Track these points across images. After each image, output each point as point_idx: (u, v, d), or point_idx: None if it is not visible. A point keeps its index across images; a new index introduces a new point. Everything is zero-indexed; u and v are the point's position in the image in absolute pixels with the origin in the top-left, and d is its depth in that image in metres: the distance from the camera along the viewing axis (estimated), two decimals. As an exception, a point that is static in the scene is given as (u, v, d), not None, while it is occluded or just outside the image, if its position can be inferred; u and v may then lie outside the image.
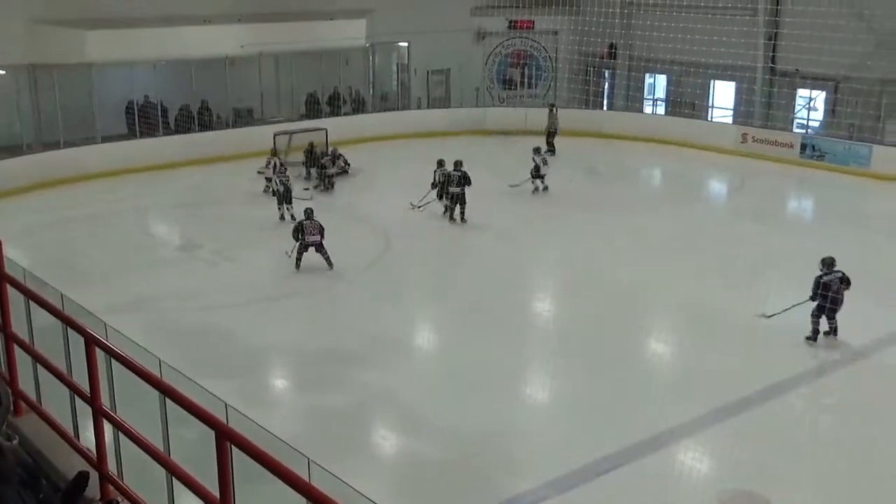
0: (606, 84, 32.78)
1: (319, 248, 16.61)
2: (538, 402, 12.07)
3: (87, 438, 5.57)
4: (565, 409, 11.74)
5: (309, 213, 16.89)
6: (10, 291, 5.97)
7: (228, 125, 27.26)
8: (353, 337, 13.71)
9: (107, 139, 25.03)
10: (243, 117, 27.94)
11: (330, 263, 16.53)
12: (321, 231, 16.59)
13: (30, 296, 6.00)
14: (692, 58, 26.04)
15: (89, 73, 24.26)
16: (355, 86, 31.14)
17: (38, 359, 5.72)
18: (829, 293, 13.02)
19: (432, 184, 20.85)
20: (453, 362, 13.00)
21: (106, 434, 4.94)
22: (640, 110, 31.59)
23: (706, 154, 27.20)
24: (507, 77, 33.19)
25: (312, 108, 29.50)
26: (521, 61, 33.09)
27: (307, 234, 16.57)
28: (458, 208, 19.83)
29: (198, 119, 26.99)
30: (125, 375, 4.98)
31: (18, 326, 6.24)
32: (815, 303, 13.07)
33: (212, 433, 3.79)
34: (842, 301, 13.13)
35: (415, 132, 28.48)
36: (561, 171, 25.82)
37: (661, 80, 31.45)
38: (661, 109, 31.59)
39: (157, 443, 5.11)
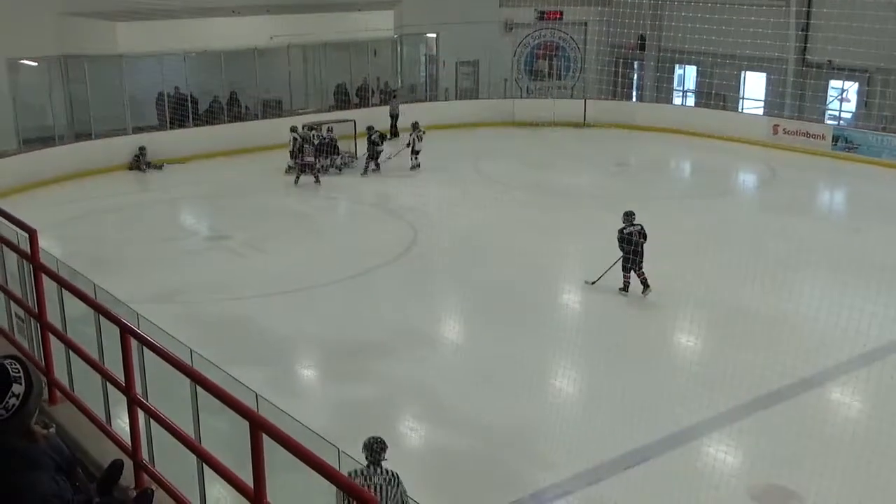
0: (636, 75, 32.61)
1: (311, 167, 22.42)
2: (565, 395, 12.05)
3: (119, 427, 5.65)
4: (593, 402, 11.71)
5: (309, 135, 22.87)
6: (45, 281, 6.05)
7: (258, 116, 27.37)
8: (381, 328, 13.76)
9: (137, 130, 25.25)
10: (272, 108, 28.03)
11: (317, 180, 22.47)
12: (314, 155, 22.64)
13: (64, 285, 6.06)
14: (722, 49, 25.80)
15: (120, 64, 24.48)
16: (384, 77, 31.18)
17: (73, 348, 5.80)
18: (631, 245, 14.58)
19: (407, 144, 24.07)
20: (481, 355, 13.01)
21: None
22: (670, 102, 31.40)
23: (737, 146, 27.01)
24: (536, 68, 33.11)
25: (341, 100, 29.57)
26: (550, 52, 32.97)
27: (305, 156, 22.28)
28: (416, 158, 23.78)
29: (227, 110, 27.15)
30: (156, 365, 5.05)
31: (52, 316, 6.32)
32: (621, 256, 14.74)
33: (238, 421, 3.83)
34: (642, 253, 14.61)
35: (443, 123, 28.48)
36: (589, 162, 25.77)
37: (691, 72, 31.25)
38: (690, 101, 31.39)
39: (188, 432, 5.16)
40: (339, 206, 21.66)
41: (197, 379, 4.37)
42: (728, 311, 14.38)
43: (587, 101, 30.48)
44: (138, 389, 5.14)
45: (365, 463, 7.26)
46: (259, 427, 3.80)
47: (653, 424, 10.63)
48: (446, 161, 23.73)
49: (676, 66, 31.10)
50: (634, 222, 14.84)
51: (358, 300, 15.08)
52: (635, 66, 32.31)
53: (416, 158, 23.72)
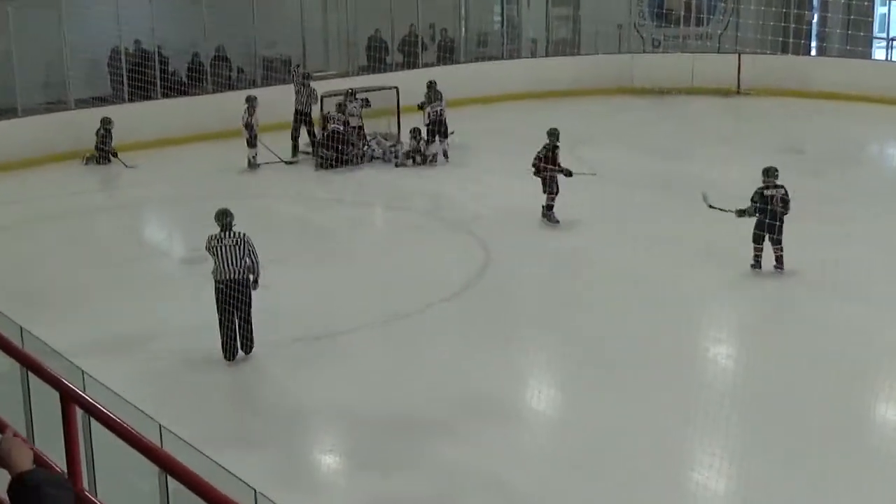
0: (815, 16, 32.36)
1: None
2: (699, 488, 11.99)
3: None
4: (736, 500, 11.63)
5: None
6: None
7: (255, 83, 27.64)
8: (433, 395, 13.78)
9: (82, 104, 25.73)
10: (277, 71, 28.27)
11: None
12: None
13: (-21, 330, 6.27)
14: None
15: (58, 9, 24.95)
16: (440, 24, 31.33)
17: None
18: (766, 211, 16.46)
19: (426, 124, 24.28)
20: (576, 433, 12.99)
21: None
22: (868, 56, 31.08)
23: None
24: (666, 9, 33.03)
25: (377, 58, 29.70)
26: (687, -15, 32.95)
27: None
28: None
29: (211, 73, 27.46)
30: (110, 444, 5.19)
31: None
32: (755, 219, 16.68)
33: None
34: (780, 223, 16.48)
35: (528, 91, 28.58)
36: (746, 148, 25.61)
37: (901, 10, 30.99)
38: (899, 54, 31.11)
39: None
40: (374, 215, 21.80)
41: (169, 467, 4.50)
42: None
43: (742, 56, 30.37)
44: (85, 481, 5.30)
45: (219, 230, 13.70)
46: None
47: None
48: (531, 146, 23.77)
49: (877, 2, 30.80)
50: (777, 183, 16.66)
51: (402, 353, 15.17)
52: (814, 4, 32.07)
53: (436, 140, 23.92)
